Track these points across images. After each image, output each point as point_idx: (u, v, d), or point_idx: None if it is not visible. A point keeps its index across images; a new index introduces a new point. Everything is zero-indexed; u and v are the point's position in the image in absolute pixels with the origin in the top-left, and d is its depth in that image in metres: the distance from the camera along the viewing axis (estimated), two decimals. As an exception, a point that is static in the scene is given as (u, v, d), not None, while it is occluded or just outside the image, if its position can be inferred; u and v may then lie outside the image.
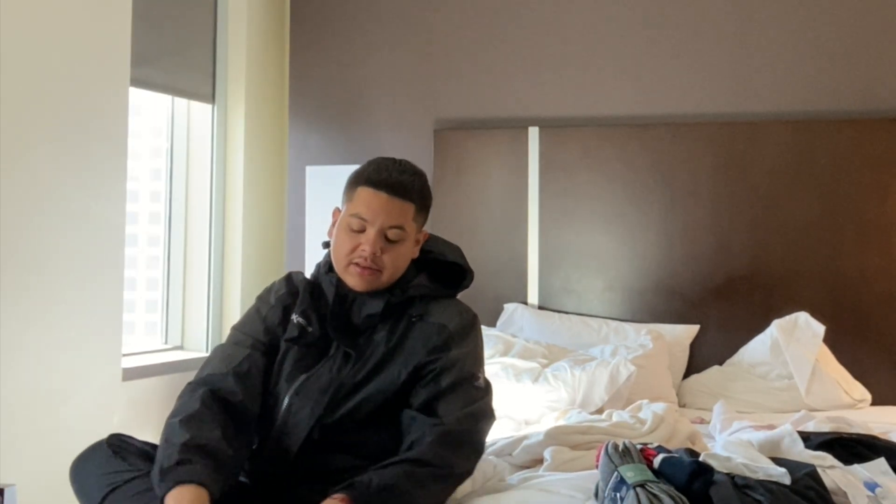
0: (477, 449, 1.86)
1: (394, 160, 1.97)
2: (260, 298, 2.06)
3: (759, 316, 3.48)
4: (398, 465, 1.72)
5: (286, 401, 1.90)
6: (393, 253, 1.91)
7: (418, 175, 1.97)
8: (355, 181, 1.95)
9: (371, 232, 1.89)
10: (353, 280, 1.92)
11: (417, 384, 1.88)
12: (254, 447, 1.94)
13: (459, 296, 2.06)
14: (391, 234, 1.91)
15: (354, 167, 3.77)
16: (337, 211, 2.00)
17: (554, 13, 3.91)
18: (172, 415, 1.82)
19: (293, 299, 2.00)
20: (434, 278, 2.02)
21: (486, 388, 1.93)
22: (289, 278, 2.07)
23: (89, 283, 3.07)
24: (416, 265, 2.01)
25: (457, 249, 2.10)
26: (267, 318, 1.99)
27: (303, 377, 1.91)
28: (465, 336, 1.93)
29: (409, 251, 1.96)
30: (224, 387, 1.87)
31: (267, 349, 1.96)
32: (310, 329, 1.94)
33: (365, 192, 1.91)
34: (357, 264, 1.90)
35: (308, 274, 2.09)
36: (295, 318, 1.96)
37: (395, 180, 1.91)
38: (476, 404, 1.86)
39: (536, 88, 3.92)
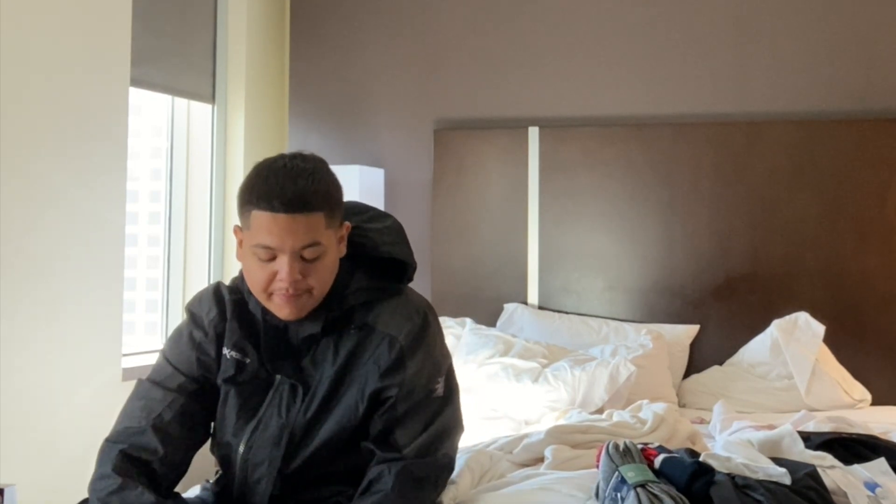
0: (445, 470, 1.76)
1: (283, 163, 1.64)
2: (192, 316, 1.80)
3: (759, 316, 3.48)
4: None
5: (239, 457, 1.74)
6: (317, 271, 1.65)
7: (317, 172, 1.65)
8: (246, 201, 1.64)
9: (283, 259, 1.62)
10: (282, 311, 1.67)
11: (375, 413, 1.70)
12: (218, 487, 1.83)
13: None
14: (307, 253, 1.63)
15: (354, 167, 3.85)
16: (238, 230, 1.70)
17: (554, 13, 3.91)
18: (92, 485, 1.68)
19: (225, 324, 1.77)
20: (374, 270, 1.77)
21: (448, 396, 1.76)
22: (218, 293, 1.80)
23: (89, 283, 3.07)
24: (351, 261, 1.75)
25: (392, 231, 1.82)
26: (202, 348, 1.76)
27: (250, 428, 1.73)
28: (418, 346, 1.71)
29: (333, 258, 1.69)
30: (141, 444, 1.69)
31: (198, 387, 1.76)
32: (247, 361, 1.74)
33: (261, 217, 1.61)
34: (281, 294, 1.65)
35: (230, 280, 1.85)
36: (227, 352, 1.74)
37: (290, 194, 1.59)
38: (437, 422, 1.71)
39: (536, 88, 3.92)
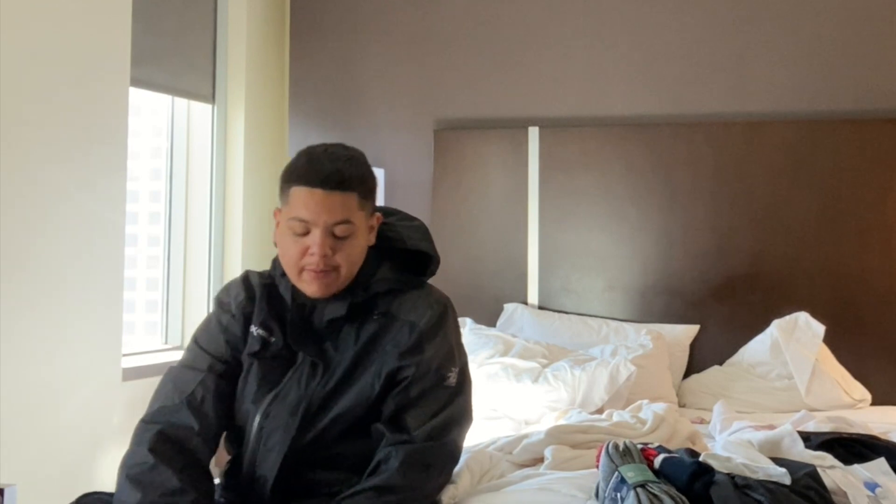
0: (451, 459, 1.81)
1: (324, 148, 1.80)
2: (219, 304, 1.91)
3: (759, 316, 3.48)
4: (364, 494, 1.67)
5: (255, 424, 1.80)
6: (345, 249, 1.77)
7: (354, 158, 1.79)
8: (287, 179, 1.78)
9: (316, 233, 1.74)
10: (310, 287, 1.78)
11: (389, 393, 1.78)
12: (227, 468, 1.87)
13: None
14: (338, 230, 1.75)
15: (354, 167, 3.83)
16: (277, 212, 1.83)
17: (554, 13, 3.91)
18: (124, 462, 1.72)
19: (253, 306, 1.87)
20: (399, 265, 1.88)
21: (459, 387, 1.83)
22: (246, 280, 1.91)
23: (89, 284, 3.07)
24: (378, 253, 1.86)
25: (419, 229, 1.94)
26: (228, 329, 1.86)
27: (269, 397, 1.80)
28: (437, 332, 1.81)
29: (363, 242, 1.81)
30: (177, 421, 1.76)
31: (227, 367, 1.84)
32: (272, 339, 1.83)
33: (299, 192, 1.75)
34: (310, 270, 1.76)
35: (261, 269, 1.96)
36: (255, 330, 1.84)
37: (328, 172, 1.74)
38: (446, 410, 1.78)
39: (536, 88, 3.92)
